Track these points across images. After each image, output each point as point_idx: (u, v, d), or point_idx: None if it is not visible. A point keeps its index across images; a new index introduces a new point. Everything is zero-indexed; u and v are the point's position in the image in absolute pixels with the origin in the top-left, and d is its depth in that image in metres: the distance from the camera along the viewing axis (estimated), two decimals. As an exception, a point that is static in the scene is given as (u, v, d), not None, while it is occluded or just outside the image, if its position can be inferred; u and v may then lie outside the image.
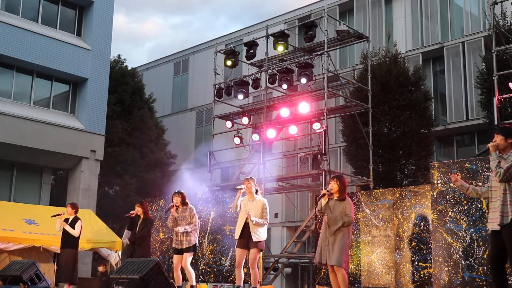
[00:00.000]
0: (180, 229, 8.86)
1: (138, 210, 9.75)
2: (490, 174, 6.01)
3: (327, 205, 7.21)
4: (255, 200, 8.18)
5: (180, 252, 8.91)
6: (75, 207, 10.53)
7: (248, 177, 8.44)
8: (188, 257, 8.90)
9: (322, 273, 10.85)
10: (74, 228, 10.24)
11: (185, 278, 9.36)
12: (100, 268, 14.91)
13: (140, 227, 9.66)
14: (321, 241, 7.22)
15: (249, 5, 77.08)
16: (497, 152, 5.63)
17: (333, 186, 7.24)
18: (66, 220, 10.35)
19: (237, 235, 8.17)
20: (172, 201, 9.13)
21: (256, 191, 8.29)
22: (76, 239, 10.33)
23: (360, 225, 10.74)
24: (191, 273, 8.95)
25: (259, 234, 8.04)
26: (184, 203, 9.08)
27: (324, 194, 7.25)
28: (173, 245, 9.05)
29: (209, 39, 30.00)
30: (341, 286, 7.04)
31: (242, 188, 8.27)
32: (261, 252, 8.32)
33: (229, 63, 15.94)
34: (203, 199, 12.57)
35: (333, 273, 7.13)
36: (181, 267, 8.98)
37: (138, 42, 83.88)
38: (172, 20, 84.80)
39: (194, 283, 8.99)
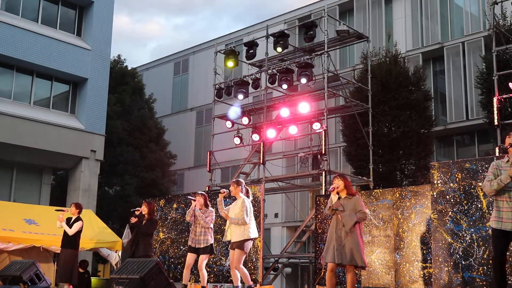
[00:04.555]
0: (197, 210, 8.81)
1: (143, 209, 9.74)
2: (503, 171, 5.77)
3: (338, 203, 7.01)
4: (237, 200, 8.24)
5: (196, 251, 8.87)
6: (79, 207, 10.56)
7: (234, 180, 8.45)
8: (204, 259, 8.88)
9: (322, 273, 10.84)
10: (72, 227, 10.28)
11: (190, 279, 9.37)
12: None
13: (144, 225, 9.65)
14: (331, 240, 6.96)
15: (251, 5, 77.14)
16: None
17: (339, 183, 7.07)
18: (69, 219, 10.37)
19: (224, 236, 8.35)
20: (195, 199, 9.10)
21: (247, 192, 8.29)
22: (75, 240, 10.32)
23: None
24: (205, 275, 8.93)
25: (241, 234, 7.99)
26: (206, 205, 9.06)
27: (333, 189, 7.04)
28: (189, 243, 8.98)
29: (210, 39, 30.04)
30: (348, 287, 6.95)
31: (221, 193, 8.34)
32: (245, 253, 8.17)
33: (230, 64, 15.96)
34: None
35: (331, 272, 6.97)
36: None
37: (141, 42, 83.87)
38: (174, 21, 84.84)
39: (205, 284, 8.99)
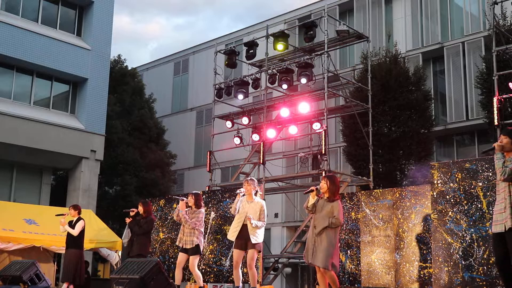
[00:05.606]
0: (181, 211, 8.82)
1: (140, 209, 9.77)
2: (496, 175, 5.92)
3: (313, 204, 7.13)
4: (253, 202, 8.13)
5: (186, 251, 8.88)
6: (77, 208, 10.56)
7: (248, 179, 8.40)
8: (195, 260, 8.87)
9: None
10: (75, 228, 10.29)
11: (184, 278, 9.37)
12: None
13: (140, 224, 9.69)
14: (308, 240, 7.13)
15: (252, 5, 77.20)
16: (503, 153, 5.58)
17: (323, 185, 7.14)
18: (70, 222, 10.37)
19: (233, 236, 8.11)
20: (186, 198, 9.12)
21: (256, 193, 8.28)
22: (79, 239, 10.33)
23: (360, 225, 10.73)
24: (199, 275, 8.97)
25: (257, 236, 8.02)
26: (197, 205, 9.04)
27: (312, 190, 7.16)
28: (177, 243, 9.03)
29: (210, 39, 30.04)
30: (332, 286, 6.99)
31: (241, 192, 8.26)
32: (259, 253, 8.30)
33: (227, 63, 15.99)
34: (203, 199, 12.55)
35: (320, 273, 7.04)
36: (185, 267, 8.99)
37: (141, 42, 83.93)
38: (175, 21, 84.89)
39: (201, 285, 9.01)
